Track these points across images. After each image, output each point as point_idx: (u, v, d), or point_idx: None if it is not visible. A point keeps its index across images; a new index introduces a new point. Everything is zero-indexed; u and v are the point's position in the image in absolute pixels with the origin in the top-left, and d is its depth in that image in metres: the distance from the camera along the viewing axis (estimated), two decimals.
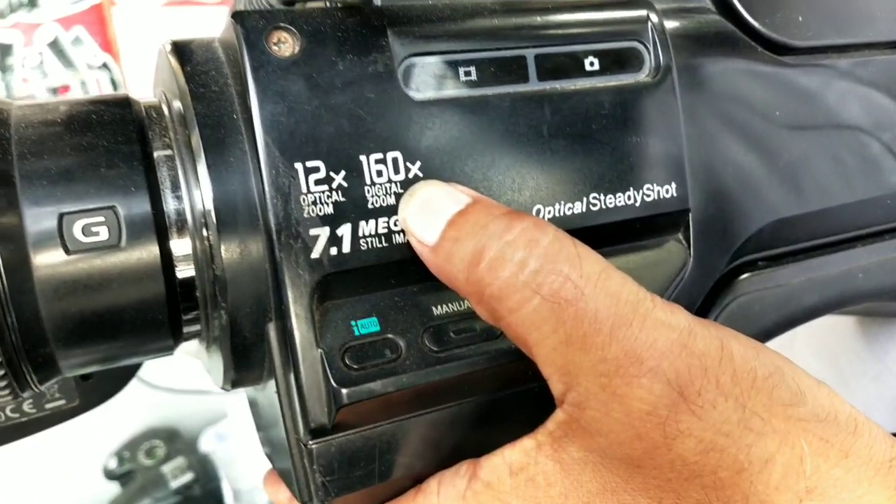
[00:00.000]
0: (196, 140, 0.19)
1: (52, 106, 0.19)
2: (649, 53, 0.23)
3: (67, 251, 0.18)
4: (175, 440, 0.63)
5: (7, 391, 0.19)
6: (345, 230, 0.19)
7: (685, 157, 0.23)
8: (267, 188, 0.18)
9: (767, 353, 0.18)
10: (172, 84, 0.20)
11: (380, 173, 0.19)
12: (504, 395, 0.22)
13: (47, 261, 0.18)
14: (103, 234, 0.18)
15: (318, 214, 0.19)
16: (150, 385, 0.57)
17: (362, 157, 0.19)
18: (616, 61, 0.22)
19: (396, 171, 0.19)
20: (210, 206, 0.19)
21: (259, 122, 0.18)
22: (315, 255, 0.19)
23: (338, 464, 0.20)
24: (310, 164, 0.18)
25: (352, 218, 0.19)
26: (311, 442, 0.20)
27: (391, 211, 0.19)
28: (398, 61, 0.20)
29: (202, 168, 0.19)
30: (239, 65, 0.19)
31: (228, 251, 0.19)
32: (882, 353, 0.37)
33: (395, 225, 0.19)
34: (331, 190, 0.19)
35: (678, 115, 0.23)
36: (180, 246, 0.19)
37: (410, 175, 0.19)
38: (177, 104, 0.20)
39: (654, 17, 0.23)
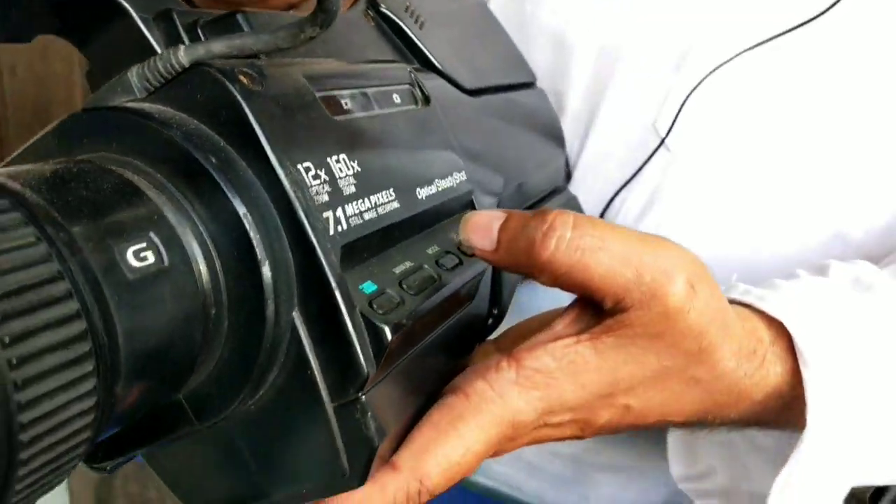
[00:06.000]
0: (203, 164, 0.21)
1: (39, 169, 0.20)
2: (415, 92, 0.33)
3: (128, 276, 0.19)
4: None
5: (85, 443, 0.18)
6: (339, 213, 0.24)
7: (459, 154, 0.34)
8: (287, 185, 0.22)
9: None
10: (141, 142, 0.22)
11: (340, 170, 0.25)
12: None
13: (117, 288, 0.18)
14: (150, 257, 0.20)
15: (321, 202, 0.23)
16: None
17: (328, 159, 0.24)
18: (410, 96, 0.32)
19: (348, 168, 0.25)
20: (241, 209, 0.21)
21: (264, 138, 0.22)
22: (331, 232, 0.23)
23: (387, 402, 0.24)
24: (305, 164, 0.23)
25: (340, 203, 0.24)
26: (361, 394, 0.23)
27: (354, 197, 0.25)
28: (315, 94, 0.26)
29: (225, 187, 0.21)
30: (208, 106, 0.22)
31: (261, 252, 0.22)
32: None
33: (362, 206, 0.25)
34: (321, 183, 0.24)
35: (446, 128, 0.33)
36: (216, 256, 0.21)
37: (352, 171, 0.25)
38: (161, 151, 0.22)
39: (412, 71, 0.33)
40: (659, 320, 0.28)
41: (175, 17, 0.26)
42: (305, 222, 0.22)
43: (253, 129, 0.22)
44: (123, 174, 0.21)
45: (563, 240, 0.27)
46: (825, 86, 0.47)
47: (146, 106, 0.23)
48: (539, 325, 0.36)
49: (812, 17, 0.47)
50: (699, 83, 0.49)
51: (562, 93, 0.53)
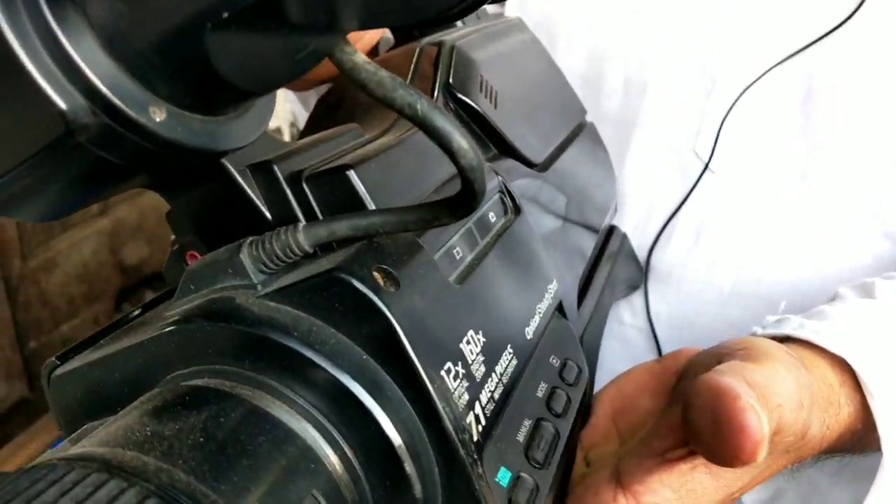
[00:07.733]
0: (354, 393, 0.20)
1: (187, 429, 0.18)
2: (505, 201, 0.31)
3: None
4: None
5: None
6: (478, 409, 0.22)
7: (549, 256, 0.32)
8: (437, 402, 0.20)
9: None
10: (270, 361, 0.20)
11: (471, 352, 0.23)
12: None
13: None
14: None
15: (464, 405, 0.22)
16: None
17: (461, 345, 0.23)
18: (502, 207, 0.30)
19: (476, 345, 0.24)
20: (397, 440, 0.20)
21: (413, 354, 0.20)
22: (475, 438, 0.22)
23: None
24: (446, 366, 0.21)
25: (477, 395, 0.22)
26: None
27: (485, 378, 0.23)
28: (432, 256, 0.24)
29: (377, 415, 0.20)
30: (348, 316, 0.20)
31: (415, 478, 0.20)
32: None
33: (492, 384, 0.24)
34: (461, 380, 0.22)
35: (536, 234, 0.32)
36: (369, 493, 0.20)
37: (479, 347, 0.24)
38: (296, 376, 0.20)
39: (499, 176, 0.31)
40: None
41: (276, 169, 0.24)
42: (457, 442, 0.21)
43: (403, 346, 0.20)
44: (269, 411, 0.19)
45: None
46: (858, 89, 0.46)
47: (278, 314, 0.21)
48: (620, 431, 0.35)
49: (838, 24, 0.46)
50: (734, 104, 0.48)
51: None
